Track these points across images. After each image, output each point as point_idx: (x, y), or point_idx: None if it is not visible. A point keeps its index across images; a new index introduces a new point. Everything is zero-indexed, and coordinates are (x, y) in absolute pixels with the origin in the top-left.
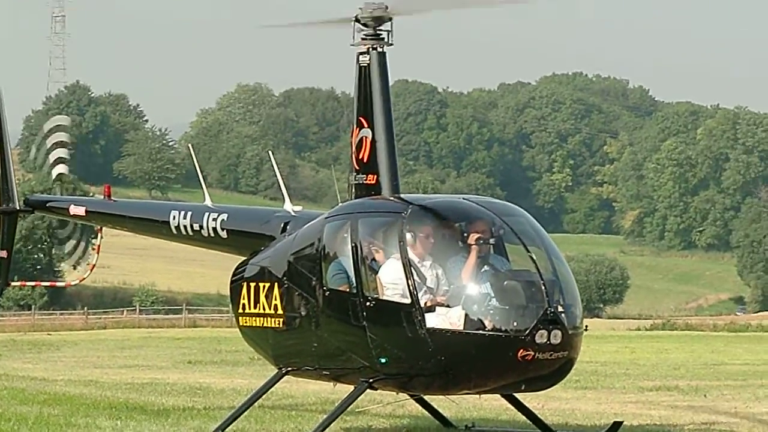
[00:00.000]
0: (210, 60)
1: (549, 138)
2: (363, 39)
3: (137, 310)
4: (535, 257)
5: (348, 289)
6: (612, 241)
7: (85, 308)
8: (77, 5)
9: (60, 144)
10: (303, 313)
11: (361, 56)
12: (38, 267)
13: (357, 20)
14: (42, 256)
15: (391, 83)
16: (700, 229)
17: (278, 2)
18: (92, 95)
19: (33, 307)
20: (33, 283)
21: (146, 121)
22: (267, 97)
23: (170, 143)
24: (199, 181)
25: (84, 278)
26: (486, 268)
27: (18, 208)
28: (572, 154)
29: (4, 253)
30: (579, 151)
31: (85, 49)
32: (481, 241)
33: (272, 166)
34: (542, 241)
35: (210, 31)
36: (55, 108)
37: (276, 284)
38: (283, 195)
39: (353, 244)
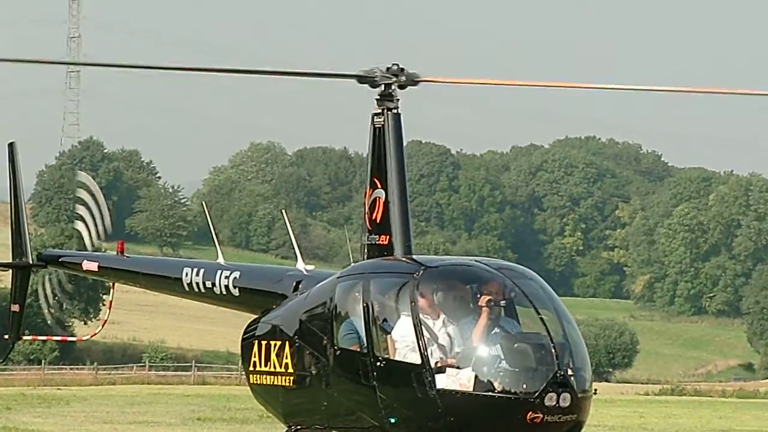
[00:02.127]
0: (223, 118)
1: (561, 201)
2: (377, 100)
3: (147, 367)
4: (545, 320)
5: (359, 349)
6: (622, 305)
7: (95, 364)
8: (92, 59)
9: (82, 201)
10: (313, 372)
11: (375, 117)
12: (48, 322)
13: (364, 80)
14: (52, 311)
15: (404, 143)
16: (711, 294)
17: (292, 62)
18: (105, 151)
19: (43, 361)
20: (44, 338)
21: (159, 177)
22: (280, 156)
23: (182, 200)
24: (212, 238)
25: (95, 333)
26: (496, 330)
27: (31, 262)
28: (584, 217)
29: (16, 308)
30: (591, 215)
31: (99, 105)
32: (492, 304)
33: (285, 224)
34: (553, 304)
35: (223, 89)
36: (68, 163)
37: (287, 343)
38: (295, 254)
39: (365, 304)
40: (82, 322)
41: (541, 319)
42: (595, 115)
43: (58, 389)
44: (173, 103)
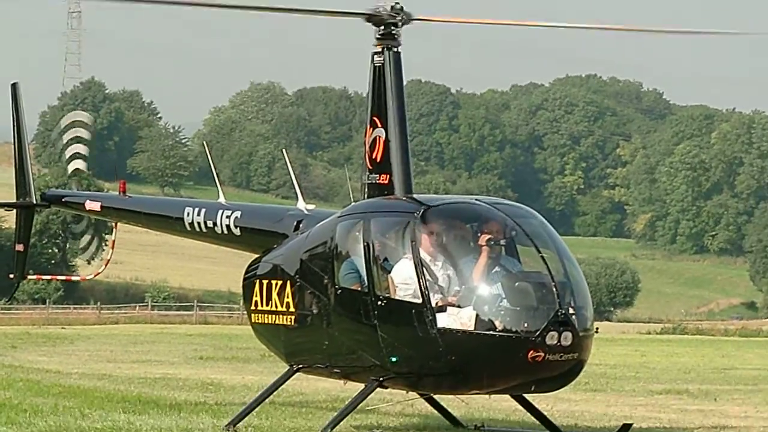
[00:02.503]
0: (223, 58)
1: (561, 140)
2: (378, 39)
3: (149, 306)
4: (546, 259)
5: (359, 288)
6: (623, 244)
7: (98, 303)
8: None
9: (77, 139)
10: (315, 311)
11: (375, 56)
12: (53, 262)
13: (371, 19)
14: (56, 251)
15: (404, 83)
16: (713, 233)
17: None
18: (107, 92)
19: (47, 301)
20: (48, 277)
21: (160, 118)
22: (280, 96)
23: (183, 140)
24: (214, 178)
25: (99, 273)
26: (497, 269)
27: (34, 202)
28: (584, 156)
29: (20, 247)
30: (591, 153)
31: (101, 46)
32: (493, 243)
33: (286, 164)
34: (554, 243)
35: (224, 29)
36: (70, 104)
37: (288, 282)
38: (296, 193)
39: (365, 244)
40: (86, 262)
41: (542, 257)
42: (596, 53)
43: (63, 328)
44: (174, 44)
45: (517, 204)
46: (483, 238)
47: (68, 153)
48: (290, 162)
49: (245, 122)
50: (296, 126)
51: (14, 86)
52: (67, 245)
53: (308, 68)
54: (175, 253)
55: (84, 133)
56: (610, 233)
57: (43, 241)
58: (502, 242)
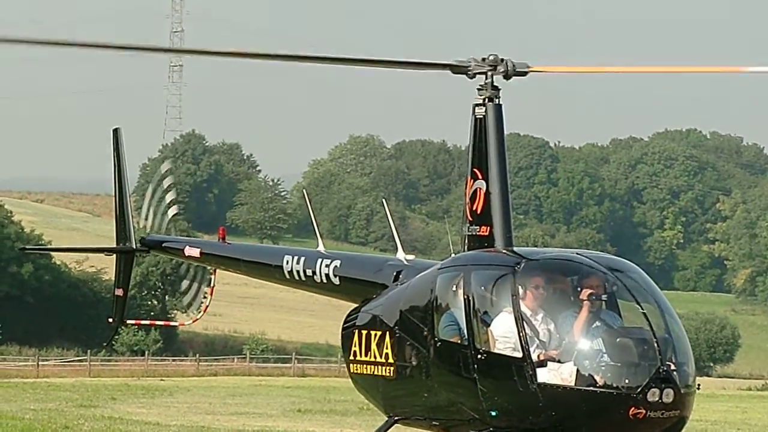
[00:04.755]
0: (323, 111)
1: (661, 194)
2: (478, 90)
3: (247, 358)
4: (647, 314)
5: (459, 341)
6: (723, 299)
7: (197, 355)
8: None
9: (169, 188)
10: (414, 363)
11: (476, 108)
12: (152, 313)
13: (458, 70)
14: (155, 302)
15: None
16: None
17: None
18: (207, 144)
19: (146, 352)
20: (147, 323)
21: (259, 170)
22: (379, 149)
23: (282, 193)
24: (313, 226)
25: (197, 319)
26: (598, 323)
27: (134, 247)
28: (684, 211)
29: (120, 292)
30: (691, 208)
31: (201, 99)
32: (593, 297)
33: (385, 215)
34: (655, 297)
35: (323, 82)
36: (171, 156)
37: (387, 333)
38: (396, 244)
39: (466, 296)
40: (183, 313)
41: (644, 312)
42: (696, 107)
43: (161, 380)
44: (274, 97)
45: (618, 258)
46: (584, 293)
47: (165, 202)
48: (390, 216)
49: (344, 175)
50: (395, 179)
51: (116, 131)
52: (166, 297)
53: (407, 121)
54: (273, 306)
55: (172, 180)
56: (710, 288)
57: (143, 293)
58: (603, 297)
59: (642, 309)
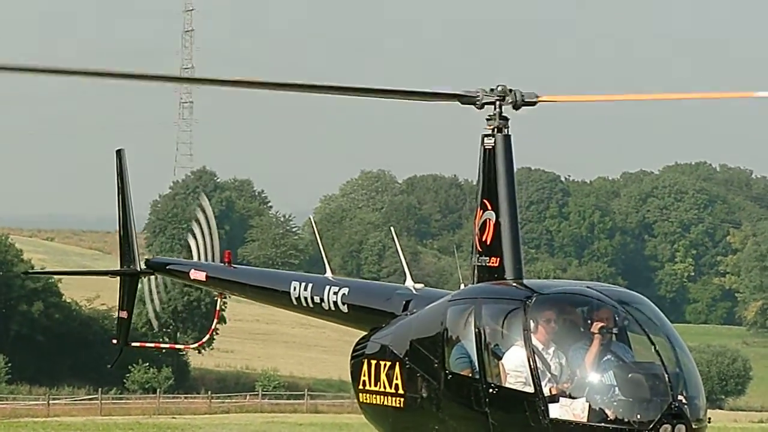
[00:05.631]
0: (334, 147)
1: (671, 227)
2: (487, 121)
3: (260, 395)
4: (658, 348)
5: (470, 374)
6: (734, 332)
7: (209, 392)
8: (204, 91)
9: (199, 223)
10: (424, 395)
11: (486, 139)
12: (163, 350)
13: (466, 100)
14: (167, 339)
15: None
16: None
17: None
18: (218, 181)
19: (158, 390)
20: (152, 345)
21: (270, 206)
22: (390, 184)
23: (294, 229)
24: (320, 253)
25: (203, 342)
26: (609, 358)
27: (138, 270)
28: (695, 244)
29: (124, 314)
30: (702, 240)
31: (212, 135)
32: (605, 331)
33: (394, 242)
34: (665, 331)
35: (334, 117)
36: (181, 193)
37: (397, 363)
38: (404, 272)
39: (477, 330)
40: (196, 351)
41: (654, 347)
42: (706, 140)
43: (173, 418)
44: (284, 133)
45: (627, 290)
46: (595, 326)
47: (193, 228)
48: (399, 244)
49: (355, 210)
50: (406, 214)
51: (119, 152)
52: (178, 334)
53: (418, 156)
54: (285, 342)
55: (205, 224)
56: (721, 321)
57: (154, 331)
58: (614, 330)
59: (652, 343)
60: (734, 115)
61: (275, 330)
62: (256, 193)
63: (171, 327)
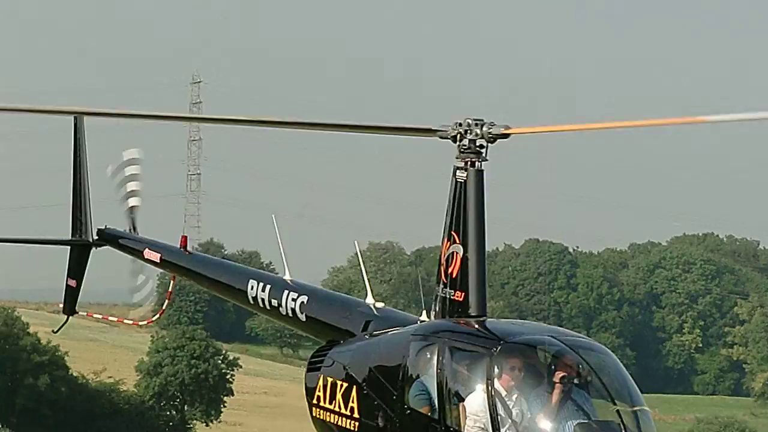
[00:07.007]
0: (341, 219)
1: (679, 299)
2: (460, 153)
3: None
4: (616, 400)
5: (429, 413)
6: (742, 403)
7: None
8: (212, 162)
9: (131, 177)
10: (381, 424)
11: (458, 171)
12: (171, 424)
13: (441, 135)
14: (174, 413)
15: (521, 242)
16: None
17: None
18: (226, 253)
19: None
20: (99, 316)
21: None
22: (398, 256)
23: None
24: (279, 250)
25: (152, 320)
26: (569, 407)
27: (90, 240)
28: (702, 315)
29: (73, 283)
30: (709, 312)
31: (219, 207)
32: (566, 380)
33: (357, 258)
34: (623, 381)
35: (339, 189)
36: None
37: (355, 387)
38: (366, 288)
39: (439, 370)
40: (204, 423)
41: (612, 399)
42: (713, 211)
43: None
44: (291, 205)
45: (590, 340)
46: (557, 376)
47: (125, 191)
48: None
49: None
50: (414, 286)
51: (77, 118)
52: (185, 407)
53: (426, 227)
54: (294, 414)
55: (136, 170)
56: (729, 392)
57: (162, 404)
58: (576, 380)
59: (611, 396)
60: (741, 186)
61: (283, 403)
62: (264, 265)
63: (179, 400)
